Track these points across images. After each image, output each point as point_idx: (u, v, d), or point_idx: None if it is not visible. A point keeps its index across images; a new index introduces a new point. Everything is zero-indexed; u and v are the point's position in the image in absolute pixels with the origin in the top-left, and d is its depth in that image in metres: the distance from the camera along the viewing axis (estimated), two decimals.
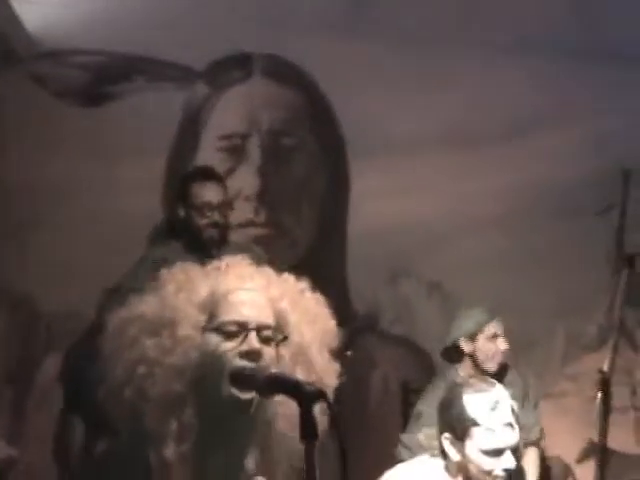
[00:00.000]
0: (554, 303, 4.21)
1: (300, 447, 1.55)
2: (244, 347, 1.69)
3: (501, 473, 2.17)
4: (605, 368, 4.00)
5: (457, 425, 2.21)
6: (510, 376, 3.55)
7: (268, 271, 1.83)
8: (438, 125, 4.10)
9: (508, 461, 2.17)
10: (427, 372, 3.89)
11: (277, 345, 1.74)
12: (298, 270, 1.84)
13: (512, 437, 2.20)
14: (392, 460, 3.07)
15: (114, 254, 3.60)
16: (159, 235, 3.50)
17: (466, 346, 3.46)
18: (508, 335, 4.16)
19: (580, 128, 4.10)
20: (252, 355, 1.68)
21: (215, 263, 1.81)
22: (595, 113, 4.13)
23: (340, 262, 4.04)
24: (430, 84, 4.14)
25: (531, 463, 3.48)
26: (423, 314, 4.08)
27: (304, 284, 1.84)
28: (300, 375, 1.73)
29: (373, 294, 4.09)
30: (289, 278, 1.84)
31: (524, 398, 3.55)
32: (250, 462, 1.75)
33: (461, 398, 2.23)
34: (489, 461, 2.17)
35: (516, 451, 2.25)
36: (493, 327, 3.46)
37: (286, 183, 4.06)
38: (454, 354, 3.51)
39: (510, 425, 2.20)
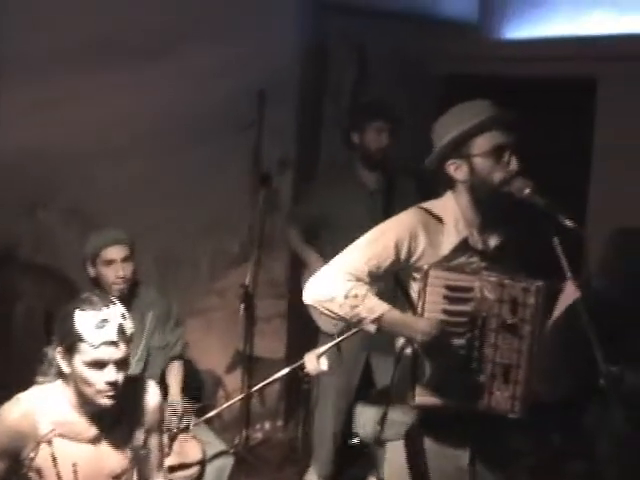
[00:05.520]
0: (200, 222, 4.30)
1: None
2: None
3: (104, 386, 2.31)
4: (247, 282, 4.22)
5: (67, 339, 2.33)
6: (152, 296, 3.58)
7: None
8: (81, 37, 3.87)
9: (109, 375, 2.31)
10: (72, 299, 3.82)
11: None
12: None
13: (115, 353, 2.33)
14: None
15: None
16: None
17: (90, 270, 3.43)
18: (156, 255, 4.23)
19: (216, 49, 4.10)
20: None
21: None
22: (230, 34, 4.16)
23: None
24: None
25: (174, 376, 3.58)
26: (64, 242, 3.98)
27: None
28: None
29: (10, 224, 3.91)
30: None
31: (166, 317, 3.62)
32: None
33: (73, 314, 2.31)
34: (93, 374, 2.32)
35: (125, 365, 2.36)
36: (109, 253, 3.38)
37: None
38: None
39: (114, 344, 2.32)
